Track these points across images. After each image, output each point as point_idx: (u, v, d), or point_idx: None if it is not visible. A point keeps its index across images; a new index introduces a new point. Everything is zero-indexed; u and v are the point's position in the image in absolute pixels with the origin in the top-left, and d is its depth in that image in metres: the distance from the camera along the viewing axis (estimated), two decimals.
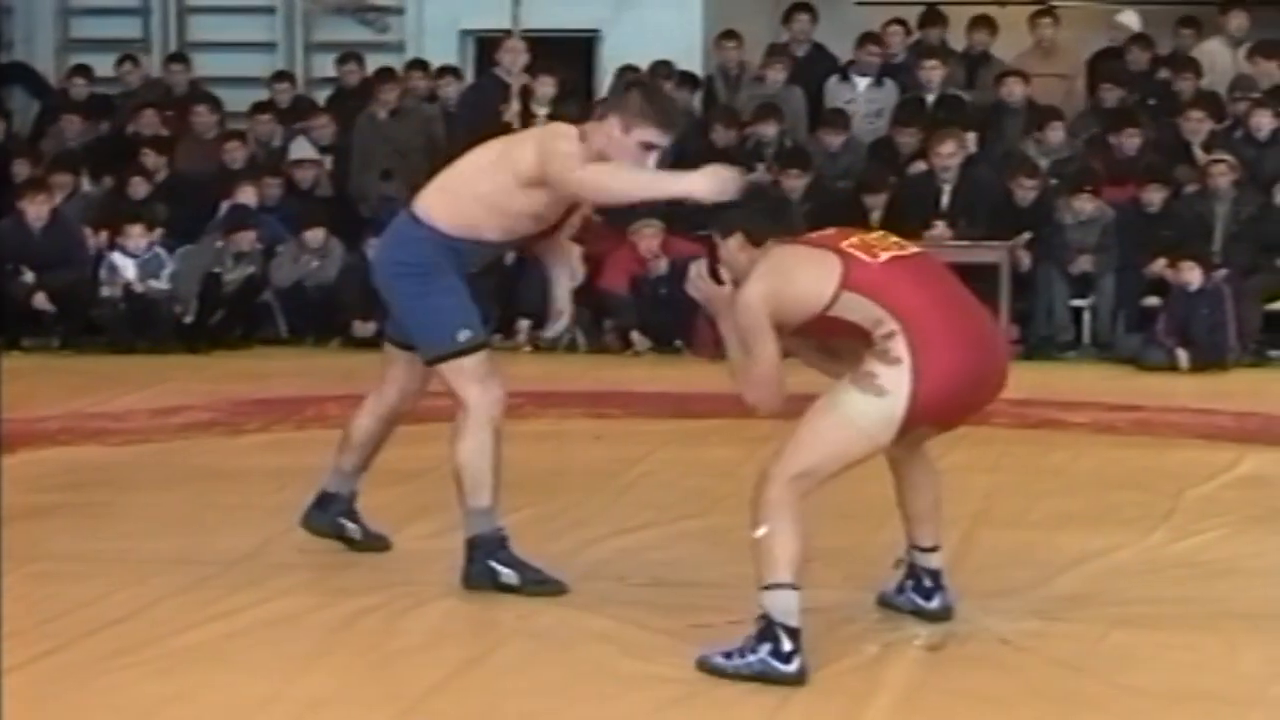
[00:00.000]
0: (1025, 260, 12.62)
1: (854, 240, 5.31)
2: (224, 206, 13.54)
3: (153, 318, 12.79)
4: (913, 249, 5.42)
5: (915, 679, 5.19)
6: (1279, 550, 6.86)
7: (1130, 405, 10.32)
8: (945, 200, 12.84)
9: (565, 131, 5.99)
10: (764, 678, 5.03)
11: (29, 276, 12.82)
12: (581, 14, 14.86)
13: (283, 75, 15.27)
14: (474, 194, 6.00)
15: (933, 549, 5.66)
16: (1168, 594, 6.14)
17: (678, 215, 11.57)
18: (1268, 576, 6.44)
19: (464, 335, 6.01)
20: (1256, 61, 13.88)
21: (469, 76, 14.93)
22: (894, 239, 5.43)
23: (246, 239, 13.10)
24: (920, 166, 13.20)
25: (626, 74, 14.22)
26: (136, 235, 12.98)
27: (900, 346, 5.11)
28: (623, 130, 5.83)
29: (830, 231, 5.45)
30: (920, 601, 5.69)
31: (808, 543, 5.15)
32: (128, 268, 12.93)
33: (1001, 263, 12.34)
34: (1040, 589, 6.12)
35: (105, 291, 12.89)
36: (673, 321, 12.27)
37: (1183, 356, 11.96)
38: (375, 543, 6.61)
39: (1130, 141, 13.25)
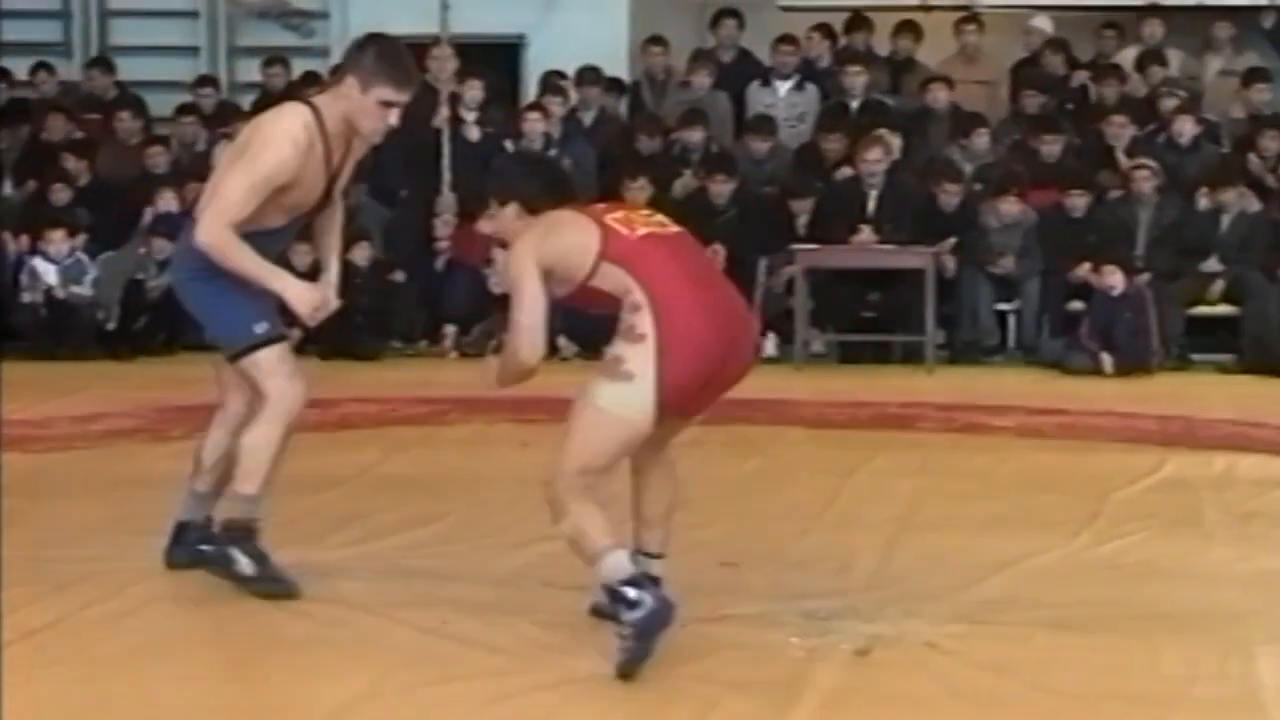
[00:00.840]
0: (950, 265, 12.67)
1: (618, 215, 5.38)
2: (147, 212, 13.44)
3: (74, 324, 12.70)
4: (673, 229, 5.44)
5: (841, 683, 5.18)
6: (1201, 553, 6.89)
7: (1055, 409, 10.37)
8: (871, 205, 12.87)
9: (273, 119, 6.03)
10: (647, 632, 5.06)
11: None
12: (507, 19, 14.83)
13: (206, 80, 15.18)
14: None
15: (658, 555, 5.56)
16: (1092, 597, 6.15)
17: None
18: (1190, 579, 6.45)
19: (260, 328, 5.94)
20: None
21: None
22: (658, 217, 5.48)
23: (169, 246, 12.99)
24: (846, 172, 13.23)
25: (551, 79, 14.23)
26: (58, 240, 12.88)
27: (645, 321, 5.17)
28: (361, 90, 5.84)
29: (600, 205, 5.56)
30: None
31: (607, 513, 5.22)
32: (49, 273, 12.83)
33: (926, 267, 12.39)
34: (965, 592, 6.12)
35: (26, 297, 12.77)
36: (598, 327, 12.20)
37: (1107, 360, 12.03)
38: None
39: (1050, 148, 13.31)
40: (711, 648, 5.41)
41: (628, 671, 5.08)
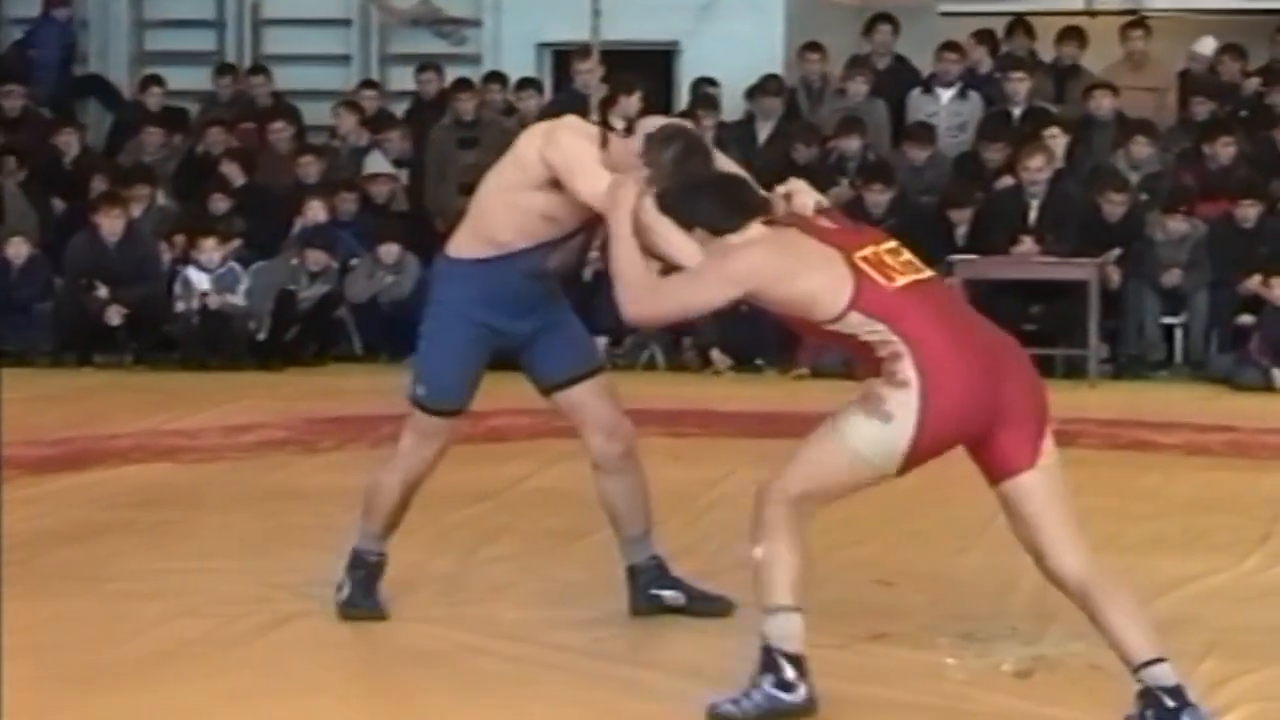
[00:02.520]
0: (1115, 277, 12.44)
1: (867, 253, 4.95)
2: (298, 223, 13.50)
3: (227, 334, 12.76)
4: (927, 273, 5.07)
5: (1002, 706, 5.09)
6: None
7: (1224, 426, 10.18)
8: (1033, 215, 12.66)
9: (574, 124, 5.73)
10: (773, 714, 4.84)
11: (102, 291, 12.81)
12: (661, 26, 14.76)
13: (369, 83, 15.28)
14: (486, 200, 5.76)
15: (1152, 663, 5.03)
16: (1263, 622, 6.02)
17: None
18: None
19: (419, 391, 5.85)
20: None
21: (547, 89, 14.84)
22: (907, 256, 5.06)
23: (321, 258, 13.05)
24: (1007, 181, 13.02)
25: (702, 87, 14.11)
26: (210, 248, 12.94)
27: (908, 369, 4.81)
28: (644, 159, 5.41)
29: (833, 227, 5.06)
30: None
31: (809, 565, 4.93)
32: (202, 282, 12.90)
33: (1091, 280, 12.18)
34: None
35: (179, 306, 12.86)
36: (753, 339, 12.12)
37: (1278, 376, 11.74)
38: (710, 606, 6.07)
39: (1225, 151, 13.02)
40: (867, 668, 5.32)
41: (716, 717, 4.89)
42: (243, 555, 6.87)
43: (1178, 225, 12.51)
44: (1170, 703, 4.76)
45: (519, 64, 15.04)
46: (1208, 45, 14.29)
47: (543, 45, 15.39)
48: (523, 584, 6.43)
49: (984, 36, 14.40)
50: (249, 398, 11.08)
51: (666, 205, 5.11)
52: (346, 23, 16.08)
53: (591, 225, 5.70)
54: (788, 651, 4.87)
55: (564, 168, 5.51)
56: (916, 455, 4.84)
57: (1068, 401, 11.14)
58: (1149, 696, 4.77)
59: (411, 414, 5.90)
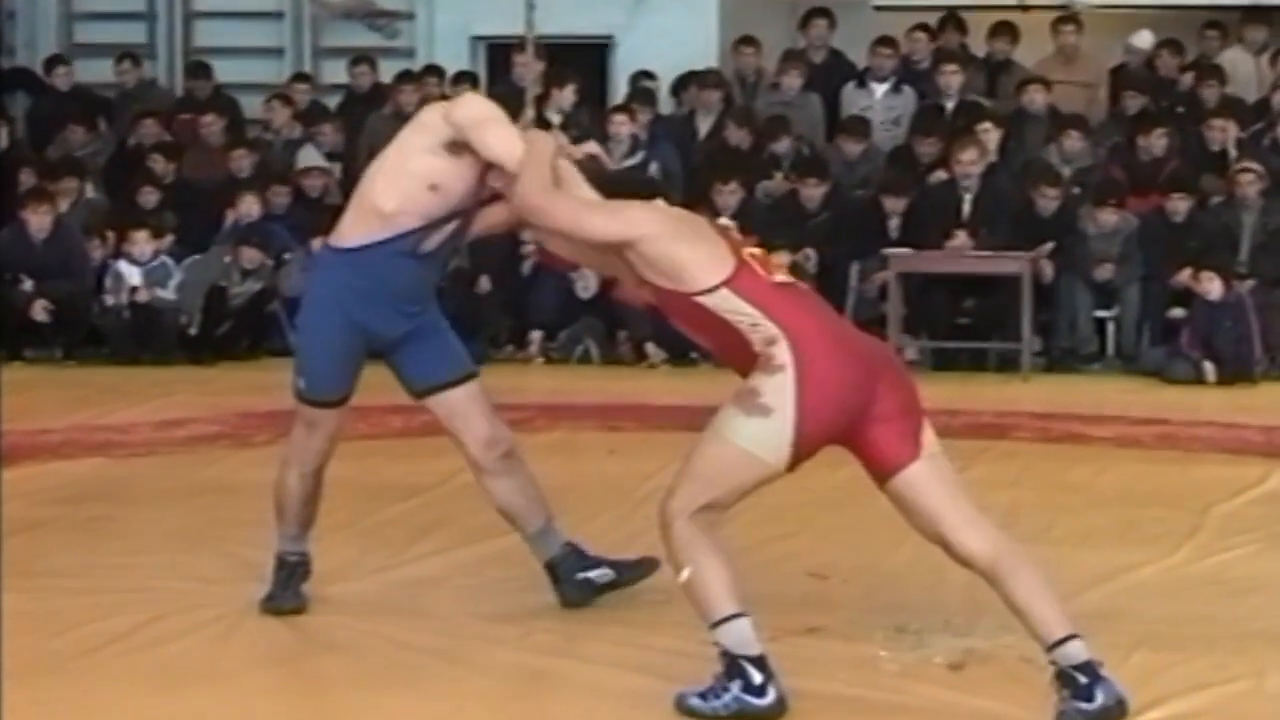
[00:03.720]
0: (1048, 271, 12.47)
1: (754, 251, 5.04)
2: (230, 216, 13.42)
3: (157, 328, 12.67)
4: (805, 286, 5.16)
5: (934, 698, 5.11)
6: None
7: (1155, 419, 10.21)
8: (966, 209, 12.68)
9: (480, 97, 5.94)
10: (742, 715, 4.85)
11: (29, 286, 12.69)
12: (595, 20, 14.72)
13: (301, 76, 15.19)
14: (372, 177, 5.82)
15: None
16: (1192, 613, 6.05)
17: None
18: None
19: (300, 383, 5.89)
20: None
21: (482, 84, 14.79)
22: (779, 261, 5.21)
23: (256, 256, 12.97)
24: (941, 175, 13.05)
25: (641, 80, 14.11)
26: (142, 242, 12.85)
27: (784, 353, 4.83)
28: None
29: (722, 222, 5.25)
30: None
31: (733, 567, 4.91)
32: (133, 276, 12.80)
33: (1023, 273, 12.20)
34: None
35: (109, 300, 12.77)
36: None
37: (1209, 370, 11.81)
38: (638, 572, 6.13)
39: (1157, 143, 13.06)
40: (800, 661, 5.30)
41: (687, 711, 4.88)
42: (174, 550, 6.84)
43: (1109, 218, 12.55)
44: (1083, 679, 4.82)
45: (452, 58, 14.98)
46: (1145, 39, 14.33)
47: (476, 39, 15.34)
48: (455, 579, 6.43)
49: (924, 30, 14.40)
50: (180, 392, 11.01)
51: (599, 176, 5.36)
52: (279, 15, 15.95)
53: (470, 211, 5.78)
54: (750, 655, 4.86)
55: (471, 124, 5.57)
56: (803, 444, 4.82)
57: (1000, 395, 11.26)
58: (1063, 678, 4.82)
59: (298, 407, 5.92)
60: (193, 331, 12.77)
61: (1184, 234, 12.55)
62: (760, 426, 4.81)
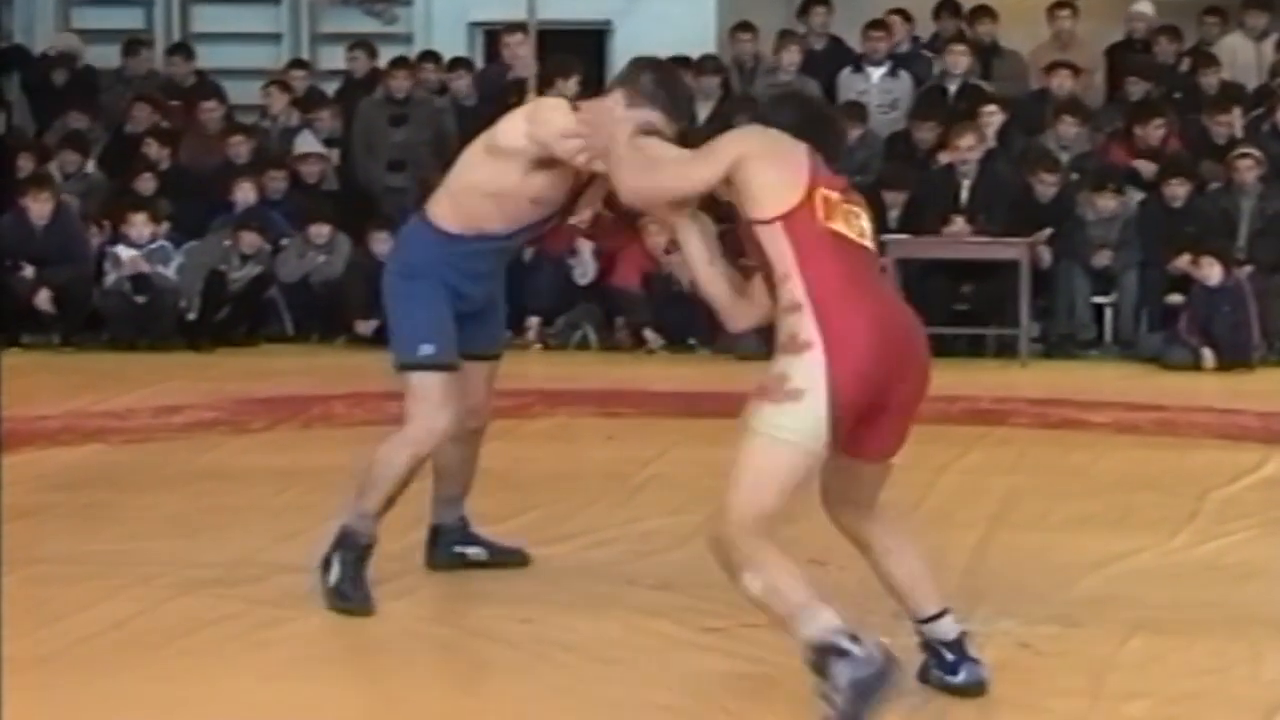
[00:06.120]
0: (1046, 256, 12.48)
1: (830, 194, 4.82)
2: (236, 200, 13.40)
3: (157, 312, 12.66)
4: (869, 244, 4.91)
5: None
6: None
7: (1153, 405, 10.21)
8: (965, 195, 12.68)
9: (555, 104, 5.87)
10: (863, 685, 4.51)
11: (29, 272, 12.69)
12: (594, 6, 14.77)
13: (299, 63, 15.17)
14: (469, 184, 5.85)
15: (937, 616, 5.01)
16: (1190, 598, 6.05)
17: None
18: None
19: (425, 350, 5.81)
20: None
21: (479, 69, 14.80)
22: (863, 222, 4.90)
23: (255, 240, 12.96)
24: (940, 161, 13.04)
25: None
26: (140, 224, 12.84)
27: (808, 326, 4.62)
28: (626, 105, 5.55)
29: (820, 162, 4.91)
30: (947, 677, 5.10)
31: (798, 564, 4.74)
32: (132, 257, 12.78)
33: (1021, 259, 12.21)
34: (1059, 593, 6.02)
35: (108, 282, 12.76)
36: (686, 318, 12.12)
37: (1207, 355, 11.81)
38: (509, 558, 6.31)
39: (1156, 133, 13.07)
40: (799, 647, 5.26)
41: None
42: (172, 536, 6.84)
43: (1107, 204, 12.55)
44: (950, 656, 4.86)
45: (450, 43, 15.00)
46: (1147, 7, 14.37)
47: (474, 25, 15.35)
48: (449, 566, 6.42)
49: (898, 14, 14.41)
50: (178, 378, 11.01)
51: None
52: (276, 1, 15.98)
53: (566, 210, 5.92)
54: (840, 629, 4.57)
55: (556, 140, 5.62)
56: (840, 419, 4.60)
57: (998, 380, 11.25)
58: (929, 649, 4.91)
59: (411, 386, 5.82)
60: (191, 316, 12.77)
61: (1182, 219, 12.54)
62: (793, 413, 4.58)
